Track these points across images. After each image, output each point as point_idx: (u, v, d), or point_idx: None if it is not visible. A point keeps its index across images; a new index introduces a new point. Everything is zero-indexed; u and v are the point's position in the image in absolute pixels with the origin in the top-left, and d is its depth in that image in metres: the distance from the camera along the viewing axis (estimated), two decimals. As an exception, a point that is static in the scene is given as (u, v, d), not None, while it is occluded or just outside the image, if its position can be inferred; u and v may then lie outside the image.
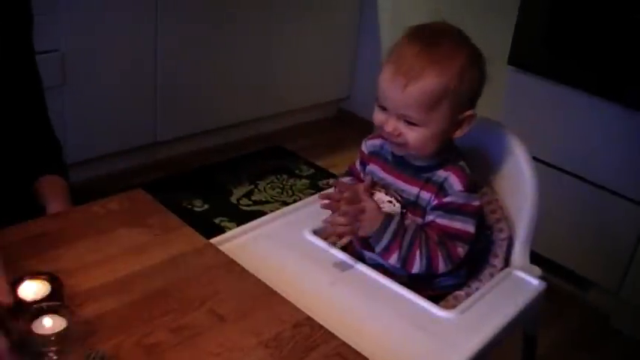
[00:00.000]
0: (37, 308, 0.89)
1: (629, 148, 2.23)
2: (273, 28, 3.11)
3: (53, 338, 0.87)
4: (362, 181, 1.35)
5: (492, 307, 1.17)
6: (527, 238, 1.35)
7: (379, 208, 1.23)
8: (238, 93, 3.11)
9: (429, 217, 1.24)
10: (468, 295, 1.24)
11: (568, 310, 2.38)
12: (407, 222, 1.24)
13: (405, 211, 1.25)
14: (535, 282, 1.27)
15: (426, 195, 1.25)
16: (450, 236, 1.22)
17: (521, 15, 2.43)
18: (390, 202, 1.26)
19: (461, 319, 1.13)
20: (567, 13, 2.35)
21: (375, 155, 1.35)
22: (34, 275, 0.96)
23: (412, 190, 1.26)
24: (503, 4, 2.51)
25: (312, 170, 3.15)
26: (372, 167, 1.34)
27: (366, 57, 3.56)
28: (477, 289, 1.25)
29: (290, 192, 2.93)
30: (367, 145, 1.38)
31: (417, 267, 1.21)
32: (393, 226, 1.20)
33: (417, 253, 1.20)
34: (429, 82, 1.16)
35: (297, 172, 3.12)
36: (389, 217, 1.21)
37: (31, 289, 0.94)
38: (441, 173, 1.24)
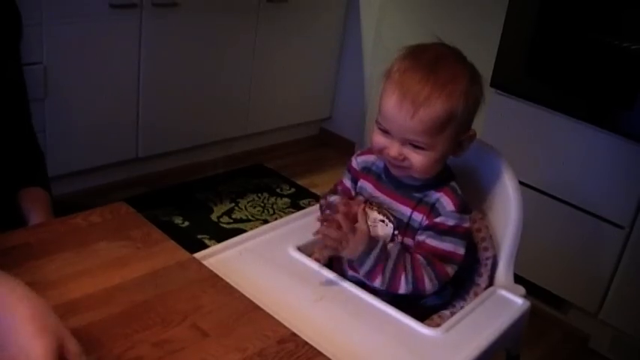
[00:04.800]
0: None
1: (610, 171, 2.25)
2: (257, 47, 3.11)
3: None
4: (352, 198, 1.34)
5: (477, 326, 1.17)
6: (511, 257, 1.35)
7: (369, 233, 1.22)
8: (221, 111, 3.11)
9: (420, 237, 1.24)
10: (452, 314, 1.23)
11: (548, 332, 2.39)
12: (389, 245, 1.23)
13: (396, 232, 1.25)
14: (519, 301, 1.26)
15: (417, 216, 1.25)
16: (439, 257, 1.22)
17: (504, 40, 2.45)
18: (383, 221, 1.25)
19: (445, 337, 1.12)
20: (548, 39, 2.38)
21: (367, 172, 1.34)
22: None
23: (405, 210, 1.26)
24: (485, 29, 2.54)
25: (293, 189, 3.14)
26: (363, 183, 1.34)
27: (348, 78, 3.57)
28: (462, 307, 1.25)
29: (271, 210, 2.92)
30: (358, 161, 1.37)
31: (403, 289, 1.21)
32: (375, 251, 1.20)
33: (402, 276, 1.20)
34: (437, 108, 1.16)
35: (278, 190, 3.11)
36: (373, 242, 1.21)
37: None
38: (433, 194, 1.24)
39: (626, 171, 2.21)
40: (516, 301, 1.27)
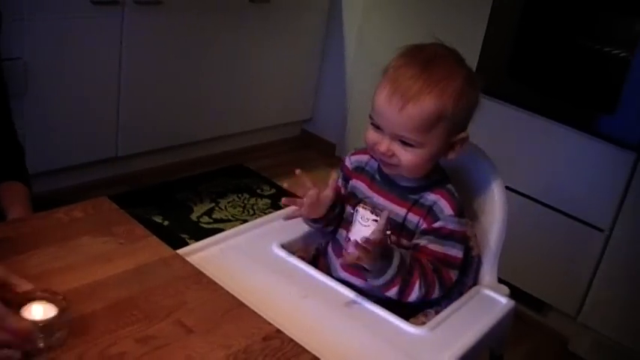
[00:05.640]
0: (29, 296, 0.90)
1: (590, 174, 2.27)
2: (239, 47, 3.10)
3: (41, 325, 0.86)
4: (341, 196, 1.34)
5: (462, 324, 1.17)
6: (495, 257, 1.35)
7: (391, 245, 1.18)
8: (202, 111, 3.09)
9: (421, 242, 1.22)
10: (437, 312, 1.23)
11: (528, 335, 2.39)
12: (402, 252, 1.19)
13: (389, 233, 1.24)
14: (503, 300, 1.27)
15: (414, 218, 1.24)
16: (441, 262, 1.21)
17: (486, 43, 2.47)
18: (376, 220, 1.24)
19: (431, 335, 1.12)
20: (531, 43, 2.40)
21: (360, 171, 1.33)
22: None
23: (400, 211, 1.25)
24: (469, 32, 2.54)
25: (273, 190, 3.13)
26: (356, 183, 1.33)
27: (330, 80, 3.57)
28: (447, 306, 1.24)
29: (251, 211, 2.90)
30: (351, 160, 1.36)
31: (413, 297, 1.18)
32: (396, 261, 1.16)
33: (417, 284, 1.17)
34: (426, 104, 1.15)
35: (258, 191, 3.10)
36: (389, 250, 1.16)
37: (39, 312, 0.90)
38: (430, 196, 1.24)
39: (607, 174, 2.22)
40: (501, 301, 1.27)
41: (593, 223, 2.27)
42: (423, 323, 1.16)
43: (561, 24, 2.36)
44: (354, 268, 1.23)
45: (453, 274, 1.22)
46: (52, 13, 2.37)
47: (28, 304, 0.89)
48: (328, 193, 1.28)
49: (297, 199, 1.29)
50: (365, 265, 1.13)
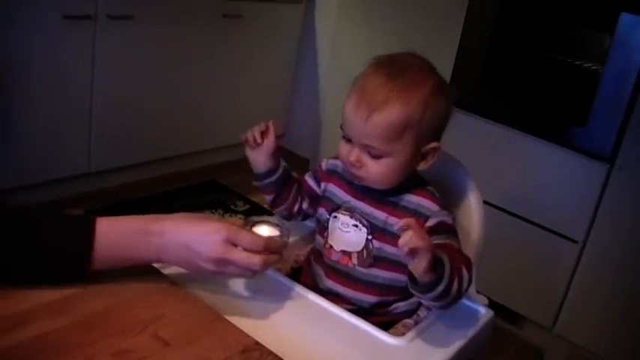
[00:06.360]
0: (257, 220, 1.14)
1: (563, 186, 2.29)
2: (212, 62, 3.10)
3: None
4: (316, 199, 1.34)
5: (441, 335, 1.16)
6: (474, 267, 1.34)
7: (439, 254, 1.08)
8: (174, 126, 3.07)
9: (435, 241, 1.13)
10: (416, 322, 1.22)
11: (503, 347, 2.40)
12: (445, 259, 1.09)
13: (370, 237, 1.23)
14: (483, 310, 1.27)
15: (395, 221, 1.20)
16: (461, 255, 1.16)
17: (459, 57, 2.49)
18: (356, 226, 1.23)
19: (410, 346, 1.11)
20: (503, 57, 2.43)
21: (332, 174, 1.32)
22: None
23: (379, 215, 1.24)
24: (442, 45, 2.56)
25: (247, 205, 3.11)
26: (332, 188, 1.32)
27: (303, 95, 3.57)
28: (426, 316, 1.24)
29: (226, 226, 2.88)
30: (328, 163, 1.35)
31: (452, 298, 1.11)
32: (447, 269, 1.07)
33: (455, 284, 1.10)
34: (392, 112, 1.14)
35: (232, 207, 3.08)
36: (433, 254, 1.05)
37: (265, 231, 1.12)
38: (410, 198, 1.23)
39: (580, 186, 2.24)
40: (480, 310, 1.27)
41: (567, 235, 2.29)
42: (403, 334, 1.15)
43: (533, 38, 2.39)
44: (342, 277, 1.23)
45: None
46: (23, 27, 2.35)
47: (256, 226, 1.13)
48: (271, 140, 1.33)
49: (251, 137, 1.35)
50: (420, 278, 1.05)
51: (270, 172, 1.34)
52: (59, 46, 2.49)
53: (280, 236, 1.12)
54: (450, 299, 1.09)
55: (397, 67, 1.18)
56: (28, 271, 1.00)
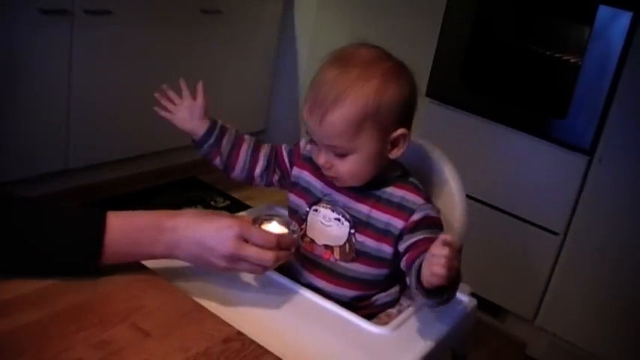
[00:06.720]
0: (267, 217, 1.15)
1: (544, 178, 2.30)
2: (190, 58, 3.07)
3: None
4: (282, 165, 1.33)
5: (424, 324, 1.16)
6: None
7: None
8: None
9: (418, 237, 1.16)
10: (399, 312, 1.22)
11: (485, 340, 2.40)
12: None
13: (353, 231, 1.22)
14: (466, 299, 1.26)
15: (381, 216, 1.20)
16: None
17: (439, 50, 2.49)
18: (338, 219, 1.22)
19: (393, 335, 1.11)
20: (483, 49, 2.43)
21: (313, 164, 1.27)
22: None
23: (362, 208, 1.22)
24: (422, 40, 2.56)
25: (227, 202, 3.10)
26: (309, 178, 1.29)
27: (283, 91, 3.56)
28: (409, 305, 1.23)
29: (206, 223, 2.86)
30: (306, 149, 1.31)
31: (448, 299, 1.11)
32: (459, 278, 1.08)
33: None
34: (343, 110, 1.12)
35: (212, 203, 3.07)
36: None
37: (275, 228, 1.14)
38: (394, 192, 1.21)
39: (560, 178, 2.25)
40: (463, 299, 1.26)
41: (547, 227, 2.29)
42: (386, 323, 1.14)
43: (513, 31, 2.39)
44: (323, 272, 1.23)
45: None
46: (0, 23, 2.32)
47: (265, 223, 1.14)
48: (200, 99, 1.40)
49: (169, 98, 1.42)
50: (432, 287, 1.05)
51: (208, 134, 1.37)
52: (37, 41, 2.46)
53: (291, 232, 1.13)
54: (450, 299, 1.10)
55: (346, 61, 1.17)
56: (37, 263, 0.99)
